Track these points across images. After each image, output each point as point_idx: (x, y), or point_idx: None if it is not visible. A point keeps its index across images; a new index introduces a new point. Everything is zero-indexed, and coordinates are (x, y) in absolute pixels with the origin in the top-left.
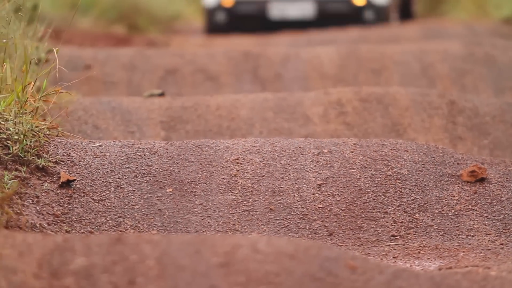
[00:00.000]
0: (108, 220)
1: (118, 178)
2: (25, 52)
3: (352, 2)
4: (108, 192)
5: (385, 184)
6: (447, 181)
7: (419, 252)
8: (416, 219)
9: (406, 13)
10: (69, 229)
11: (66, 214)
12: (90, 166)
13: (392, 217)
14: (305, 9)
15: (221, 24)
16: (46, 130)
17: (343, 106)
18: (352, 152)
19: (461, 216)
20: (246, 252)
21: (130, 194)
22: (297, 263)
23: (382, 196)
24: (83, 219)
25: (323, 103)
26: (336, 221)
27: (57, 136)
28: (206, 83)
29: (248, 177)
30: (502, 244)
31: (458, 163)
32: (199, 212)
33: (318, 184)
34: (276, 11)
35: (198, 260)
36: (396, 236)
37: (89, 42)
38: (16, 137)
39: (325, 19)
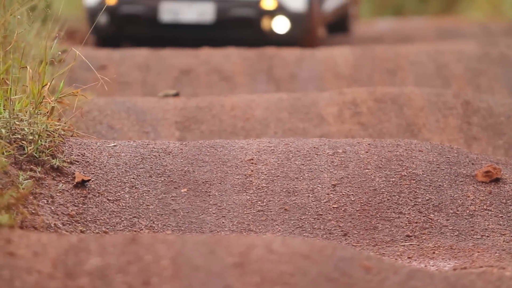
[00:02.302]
0: (122, 220)
1: (133, 178)
2: (44, 52)
3: (259, 5)
4: (122, 192)
5: (400, 184)
6: (461, 181)
7: (433, 252)
8: (431, 219)
9: (340, 28)
10: (84, 229)
11: (81, 214)
12: (104, 166)
13: (407, 217)
14: (203, 12)
15: (104, 27)
16: (60, 130)
17: (357, 106)
18: (367, 152)
19: (475, 216)
20: (261, 252)
21: (144, 194)
22: (312, 263)
23: (397, 196)
24: (97, 219)
25: (337, 103)
26: (350, 221)
27: (71, 136)
28: (220, 83)
29: (262, 177)
30: None
31: (472, 163)
32: (214, 212)
33: (332, 184)
34: (168, 13)
35: (213, 260)
36: (411, 236)
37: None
38: (31, 137)
39: (226, 25)
